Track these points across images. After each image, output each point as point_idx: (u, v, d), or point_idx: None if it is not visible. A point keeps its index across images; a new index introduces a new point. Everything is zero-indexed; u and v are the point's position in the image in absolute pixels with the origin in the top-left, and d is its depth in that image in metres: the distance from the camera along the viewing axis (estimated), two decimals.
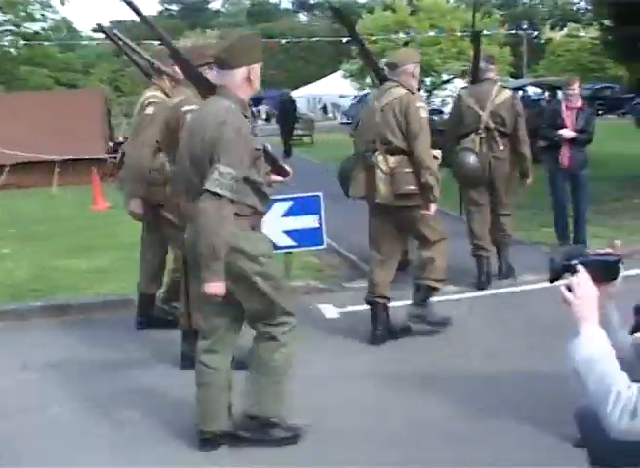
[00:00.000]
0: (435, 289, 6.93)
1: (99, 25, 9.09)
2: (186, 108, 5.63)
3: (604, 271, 2.71)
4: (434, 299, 7.12)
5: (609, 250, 2.79)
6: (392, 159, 6.51)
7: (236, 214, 4.40)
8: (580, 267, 2.61)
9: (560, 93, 22.41)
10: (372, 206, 6.82)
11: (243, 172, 4.36)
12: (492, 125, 8.27)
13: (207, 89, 4.98)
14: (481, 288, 8.33)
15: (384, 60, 6.99)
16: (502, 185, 8.40)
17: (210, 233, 4.25)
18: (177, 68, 6.24)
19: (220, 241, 4.26)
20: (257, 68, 4.57)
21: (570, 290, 2.56)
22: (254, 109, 39.79)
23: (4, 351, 7.16)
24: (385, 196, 6.53)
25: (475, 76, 8.51)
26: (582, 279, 2.57)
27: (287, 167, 5.29)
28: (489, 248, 8.48)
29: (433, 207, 6.53)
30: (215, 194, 4.23)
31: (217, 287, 4.31)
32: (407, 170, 6.47)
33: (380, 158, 6.54)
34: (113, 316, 8.07)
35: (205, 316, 4.80)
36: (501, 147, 8.32)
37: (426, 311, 6.93)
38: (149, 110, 6.74)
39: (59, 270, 9.99)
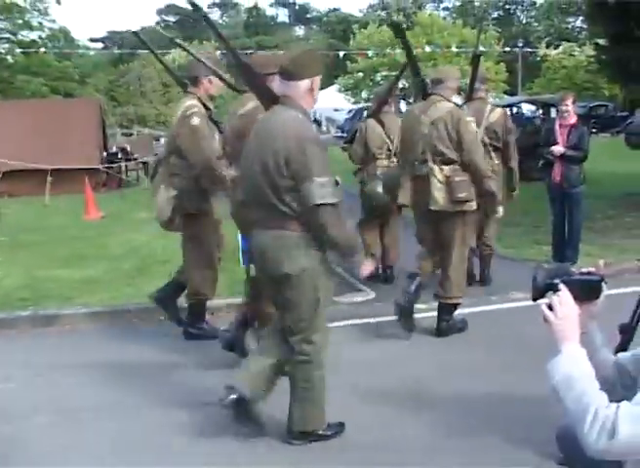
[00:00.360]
0: (457, 304, 7.37)
1: (134, 33, 9.21)
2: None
3: (586, 290, 2.71)
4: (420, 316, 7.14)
5: (592, 269, 2.79)
6: (446, 168, 6.95)
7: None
8: (561, 286, 2.60)
9: (554, 110, 22.63)
10: (422, 212, 7.24)
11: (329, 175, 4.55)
12: (487, 140, 8.68)
13: (270, 99, 5.15)
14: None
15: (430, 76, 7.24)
16: (493, 195, 8.45)
17: (343, 232, 4.60)
18: (212, 78, 6.80)
19: (352, 237, 4.78)
20: (317, 80, 4.79)
21: (551, 308, 2.56)
22: None
23: None
24: (442, 203, 6.94)
25: (470, 96, 8.92)
26: (564, 298, 2.56)
27: None
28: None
29: (501, 209, 7.51)
30: (325, 204, 4.45)
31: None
32: (460, 178, 6.93)
33: (435, 168, 6.96)
34: (100, 326, 8.03)
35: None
36: (496, 161, 8.88)
37: (453, 322, 7.41)
38: (195, 121, 6.78)
39: (49, 280, 9.96)
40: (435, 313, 7.52)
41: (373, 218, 9.59)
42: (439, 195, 6.93)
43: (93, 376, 6.48)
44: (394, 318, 7.31)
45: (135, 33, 9.05)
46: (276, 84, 5.13)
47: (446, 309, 7.34)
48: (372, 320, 7.92)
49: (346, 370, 6.35)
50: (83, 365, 6.79)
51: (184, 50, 8.35)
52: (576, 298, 2.59)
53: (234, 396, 4.87)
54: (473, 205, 7.04)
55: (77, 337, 7.74)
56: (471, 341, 7.18)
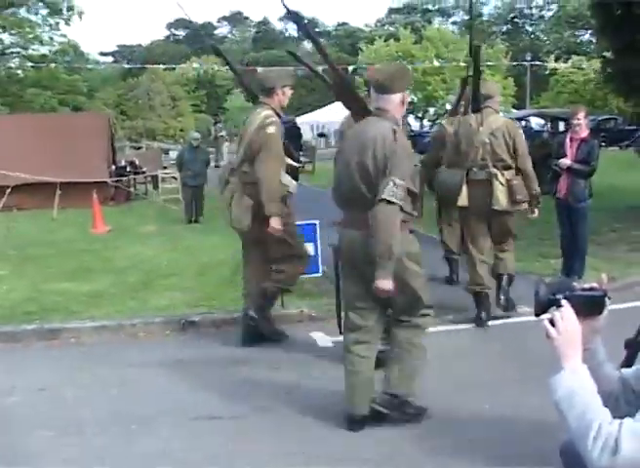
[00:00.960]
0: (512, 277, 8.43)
1: (213, 46, 9.90)
2: None
3: (589, 306, 2.68)
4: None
5: (595, 284, 2.76)
6: (507, 173, 7.90)
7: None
8: (564, 302, 2.57)
9: (562, 124, 22.61)
10: (480, 213, 8.02)
11: (408, 183, 5.06)
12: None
13: (362, 110, 5.91)
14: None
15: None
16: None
17: (387, 236, 4.92)
18: (287, 90, 7.23)
19: (395, 243, 4.94)
20: (406, 94, 5.38)
21: (554, 324, 2.53)
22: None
23: None
24: (504, 204, 7.88)
25: (455, 111, 10.11)
26: (566, 314, 2.53)
27: None
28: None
29: (537, 210, 8.28)
30: (390, 202, 4.91)
31: (389, 283, 4.98)
32: (518, 182, 7.93)
33: (497, 173, 7.88)
34: (105, 340, 8.01)
35: (357, 311, 5.39)
36: None
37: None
38: (272, 129, 7.02)
39: (55, 293, 9.95)
40: (445, 327, 7.52)
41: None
42: (502, 197, 7.87)
43: (97, 390, 6.47)
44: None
45: (214, 47, 9.64)
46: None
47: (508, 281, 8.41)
48: None
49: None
50: (87, 378, 6.78)
51: (227, 63, 8.60)
52: (578, 314, 2.56)
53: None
54: (525, 205, 8.11)
55: (82, 351, 7.73)
56: (478, 356, 7.13)
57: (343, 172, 5.32)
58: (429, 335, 7.06)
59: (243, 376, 6.64)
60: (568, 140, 9.65)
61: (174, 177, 20.89)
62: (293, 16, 7.46)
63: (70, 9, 27.37)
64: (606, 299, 2.74)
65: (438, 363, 6.82)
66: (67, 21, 28.53)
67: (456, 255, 10.12)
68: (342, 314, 6.12)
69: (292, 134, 28.12)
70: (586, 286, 2.75)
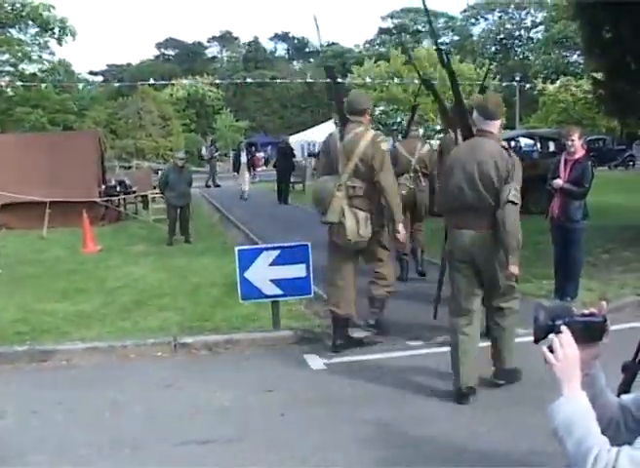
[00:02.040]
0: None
1: (326, 68, 11.35)
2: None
3: (589, 332, 2.66)
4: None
5: (594, 310, 2.75)
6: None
7: None
8: (563, 328, 2.56)
9: (552, 144, 22.69)
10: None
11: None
12: (418, 168, 11.43)
13: (469, 133, 6.98)
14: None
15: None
16: (422, 208, 11.48)
17: (516, 230, 6.13)
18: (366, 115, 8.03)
19: (520, 236, 6.15)
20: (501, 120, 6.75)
21: (552, 350, 2.52)
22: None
23: None
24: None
25: (407, 134, 12.18)
26: (565, 340, 2.52)
27: None
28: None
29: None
30: (514, 203, 6.13)
31: (517, 269, 6.17)
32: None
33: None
34: (97, 362, 7.96)
35: (468, 298, 6.49)
36: (424, 183, 11.47)
37: None
38: (384, 146, 8.00)
39: (45, 313, 9.89)
40: (433, 350, 7.52)
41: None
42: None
43: (89, 413, 6.42)
44: (394, 355, 7.27)
45: (327, 68, 10.93)
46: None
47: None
48: (369, 357, 7.82)
49: (337, 406, 6.29)
50: (79, 401, 6.74)
51: (333, 81, 9.18)
52: (577, 340, 2.55)
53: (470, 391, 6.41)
54: None
55: (74, 373, 7.66)
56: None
57: (464, 183, 6.38)
58: (428, 356, 7.11)
59: (236, 399, 6.61)
60: (562, 161, 9.63)
61: (163, 197, 20.82)
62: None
63: (63, 29, 27.33)
64: (606, 325, 2.72)
65: (437, 383, 6.82)
66: (59, 41, 28.49)
67: (406, 256, 11.46)
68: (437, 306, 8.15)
69: (285, 153, 28.23)
70: (586, 311, 2.73)
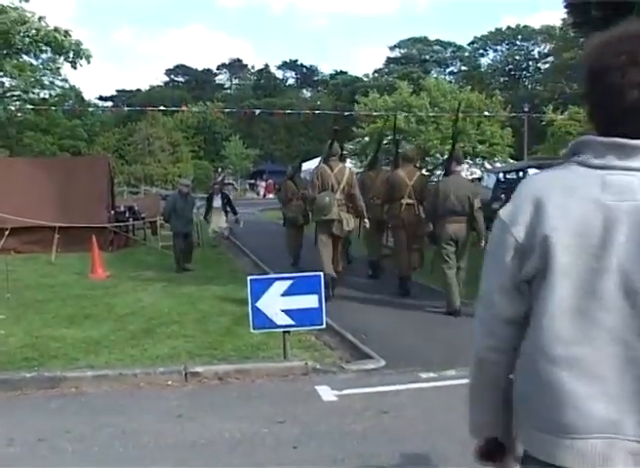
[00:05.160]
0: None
1: (335, 131, 14.65)
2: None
3: None
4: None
5: None
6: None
7: None
8: None
9: None
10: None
11: None
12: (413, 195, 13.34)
13: (448, 171, 12.40)
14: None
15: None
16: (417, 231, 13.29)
17: (482, 223, 11.38)
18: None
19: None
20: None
21: None
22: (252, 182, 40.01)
23: None
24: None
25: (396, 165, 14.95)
26: None
27: None
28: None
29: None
30: (480, 209, 11.41)
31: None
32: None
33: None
34: (106, 390, 7.88)
35: (448, 257, 11.54)
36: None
37: None
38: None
39: (53, 339, 9.84)
40: (446, 382, 7.43)
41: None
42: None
43: (98, 443, 6.33)
44: (404, 387, 7.20)
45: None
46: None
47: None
48: (381, 389, 7.74)
49: (349, 439, 6.21)
50: (88, 430, 6.64)
51: None
52: None
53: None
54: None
55: (82, 401, 7.58)
56: None
57: (454, 199, 11.47)
58: (440, 390, 7.02)
59: (247, 430, 6.51)
60: None
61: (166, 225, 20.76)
62: None
63: (77, 53, 27.45)
64: None
65: (446, 418, 6.72)
66: (74, 65, 28.60)
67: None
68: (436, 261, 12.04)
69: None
70: None
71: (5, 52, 29.24)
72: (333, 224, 12.30)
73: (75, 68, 29.25)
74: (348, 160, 49.70)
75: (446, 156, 47.62)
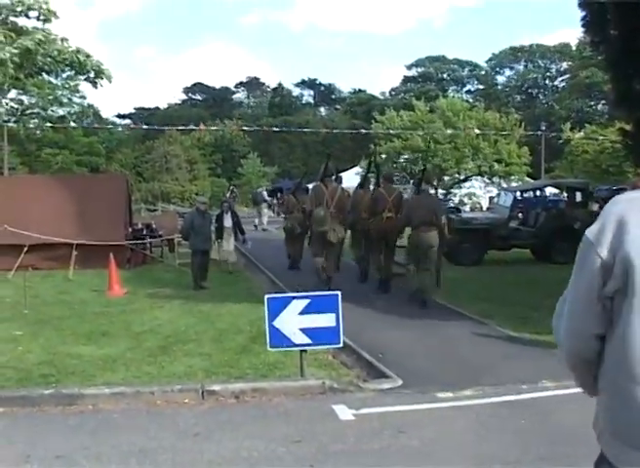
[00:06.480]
0: None
1: (328, 155, 17.05)
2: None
3: None
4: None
5: None
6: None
7: None
8: None
9: (579, 194, 22.62)
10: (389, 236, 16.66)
11: None
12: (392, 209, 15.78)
13: (418, 189, 15.72)
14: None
15: None
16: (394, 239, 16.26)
17: (447, 233, 14.74)
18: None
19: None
20: None
21: None
22: (267, 197, 40.21)
23: (8, 439, 6.97)
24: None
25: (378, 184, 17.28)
26: None
27: None
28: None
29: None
30: (444, 221, 14.55)
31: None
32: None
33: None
34: (123, 407, 7.88)
35: (415, 260, 14.11)
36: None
37: None
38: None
39: (70, 356, 9.88)
40: (463, 402, 7.39)
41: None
42: None
43: (115, 461, 6.33)
44: (422, 407, 7.17)
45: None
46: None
47: None
48: (399, 408, 7.71)
49: (368, 459, 6.18)
50: (105, 448, 6.64)
51: None
52: None
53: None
54: None
55: (100, 418, 7.57)
56: (503, 432, 6.97)
57: (424, 212, 13.83)
58: (456, 411, 6.98)
59: (264, 450, 6.50)
60: None
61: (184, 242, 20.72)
62: None
63: (98, 73, 27.66)
64: None
65: (463, 439, 6.69)
66: (95, 85, 28.78)
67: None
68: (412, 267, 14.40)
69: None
70: None
71: (27, 72, 29.47)
72: (326, 234, 15.16)
73: (96, 88, 29.45)
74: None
75: (463, 176, 48.11)
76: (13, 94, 42.16)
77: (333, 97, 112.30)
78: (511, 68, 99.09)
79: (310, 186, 18.66)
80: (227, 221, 20.07)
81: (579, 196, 22.74)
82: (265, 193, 41.15)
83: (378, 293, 15.62)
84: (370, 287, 16.30)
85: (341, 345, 8.83)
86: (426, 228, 13.80)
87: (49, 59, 27.56)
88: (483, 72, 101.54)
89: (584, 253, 2.29)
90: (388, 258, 16.14)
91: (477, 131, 45.55)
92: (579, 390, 2.55)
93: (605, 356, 2.27)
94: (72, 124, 50.10)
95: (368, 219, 16.29)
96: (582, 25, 15.41)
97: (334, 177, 16.37)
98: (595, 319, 2.26)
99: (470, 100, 73.20)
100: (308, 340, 8.25)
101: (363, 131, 49.85)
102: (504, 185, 44.39)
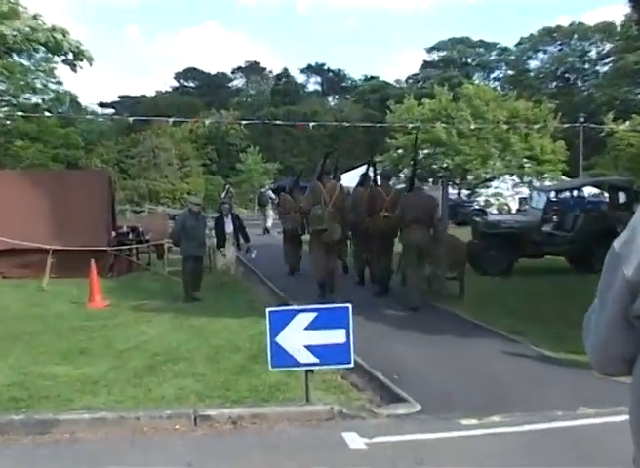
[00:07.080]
0: None
1: (326, 153, 18.45)
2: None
3: None
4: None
5: None
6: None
7: None
8: None
9: (622, 194, 22.48)
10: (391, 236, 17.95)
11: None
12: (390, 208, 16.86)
13: (411, 187, 17.26)
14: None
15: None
16: (392, 238, 17.49)
17: (442, 230, 16.47)
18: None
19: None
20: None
21: None
22: (273, 196, 40.40)
23: None
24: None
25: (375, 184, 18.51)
26: None
27: None
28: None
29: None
30: (438, 220, 16.17)
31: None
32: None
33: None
34: (104, 436, 7.87)
35: (411, 259, 15.61)
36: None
37: None
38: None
39: (44, 377, 9.87)
40: (489, 430, 7.40)
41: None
42: None
43: None
44: (442, 435, 7.15)
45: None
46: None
47: None
48: (417, 437, 7.70)
49: None
50: None
51: None
52: None
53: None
54: None
55: (78, 448, 7.57)
56: (534, 465, 6.96)
57: (418, 210, 15.15)
58: (481, 439, 6.99)
59: None
60: None
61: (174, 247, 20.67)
62: None
63: (78, 55, 27.52)
64: None
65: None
66: (73, 68, 28.62)
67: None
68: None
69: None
70: None
71: None
72: (324, 233, 16.08)
73: (75, 72, 29.37)
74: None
75: (489, 175, 48.00)
76: None
77: (343, 84, 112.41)
78: (545, 52, 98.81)
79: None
80: (229, 226, 19.45)
81: (622, 196, 22.57)
82: (271, 192, 41.74)
83: (377, 295, 16.79)
84: (371, 292, 17.15)
85: (352, 365, 8.82)
86: (418, 226, 15.31)
87: (19, 38, 27.43)
88: (513, 56, 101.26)
89: (610, 266, 2.27)
90: (386, 259, 17.15)
91: (505, 124, 45.15)
92: (621, 419, 2.55)
93: (635, 379, 2.26)
94: (47, 113, 49.90)
95: (365, 219, 17.38)
96: (630, 0, 15.35)
97: (331, 175, 17.58)
98: (623, 338, 2.23)
99: (498, 89, 73.17)
100: (315, 359, 8.24)
101: (378, 124, 49.61)
102: (537, 184, 44.22)
